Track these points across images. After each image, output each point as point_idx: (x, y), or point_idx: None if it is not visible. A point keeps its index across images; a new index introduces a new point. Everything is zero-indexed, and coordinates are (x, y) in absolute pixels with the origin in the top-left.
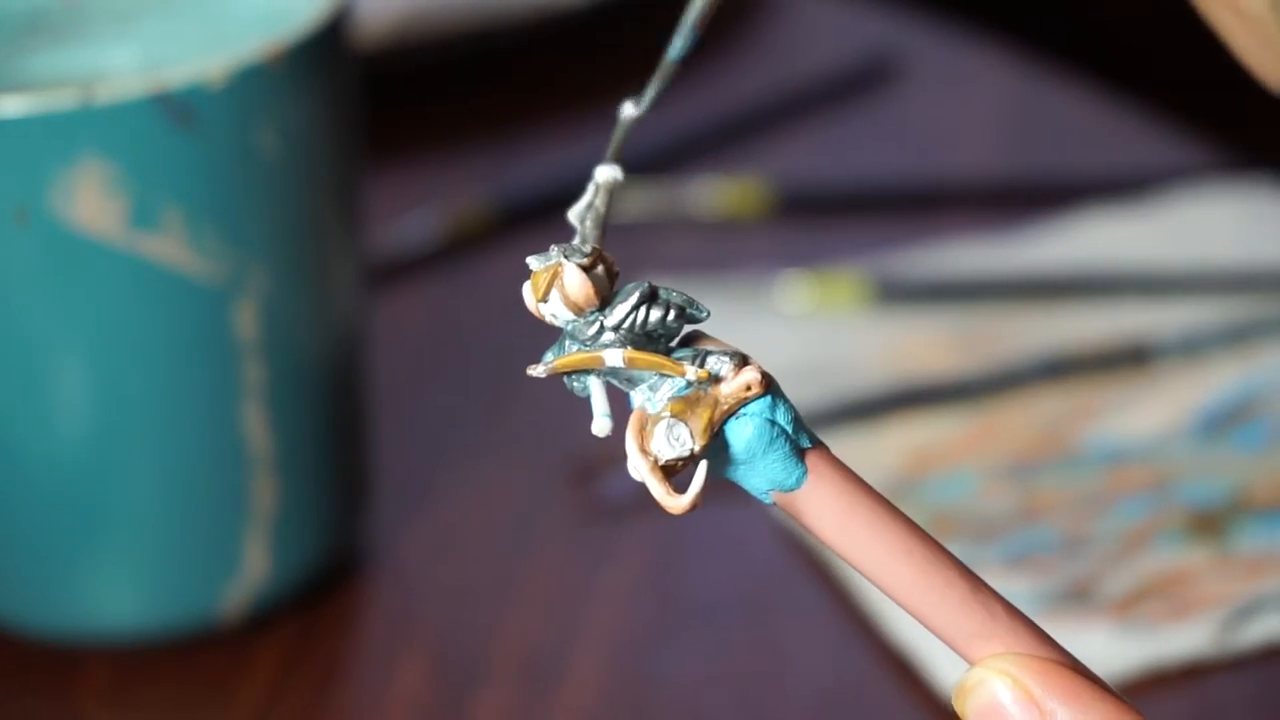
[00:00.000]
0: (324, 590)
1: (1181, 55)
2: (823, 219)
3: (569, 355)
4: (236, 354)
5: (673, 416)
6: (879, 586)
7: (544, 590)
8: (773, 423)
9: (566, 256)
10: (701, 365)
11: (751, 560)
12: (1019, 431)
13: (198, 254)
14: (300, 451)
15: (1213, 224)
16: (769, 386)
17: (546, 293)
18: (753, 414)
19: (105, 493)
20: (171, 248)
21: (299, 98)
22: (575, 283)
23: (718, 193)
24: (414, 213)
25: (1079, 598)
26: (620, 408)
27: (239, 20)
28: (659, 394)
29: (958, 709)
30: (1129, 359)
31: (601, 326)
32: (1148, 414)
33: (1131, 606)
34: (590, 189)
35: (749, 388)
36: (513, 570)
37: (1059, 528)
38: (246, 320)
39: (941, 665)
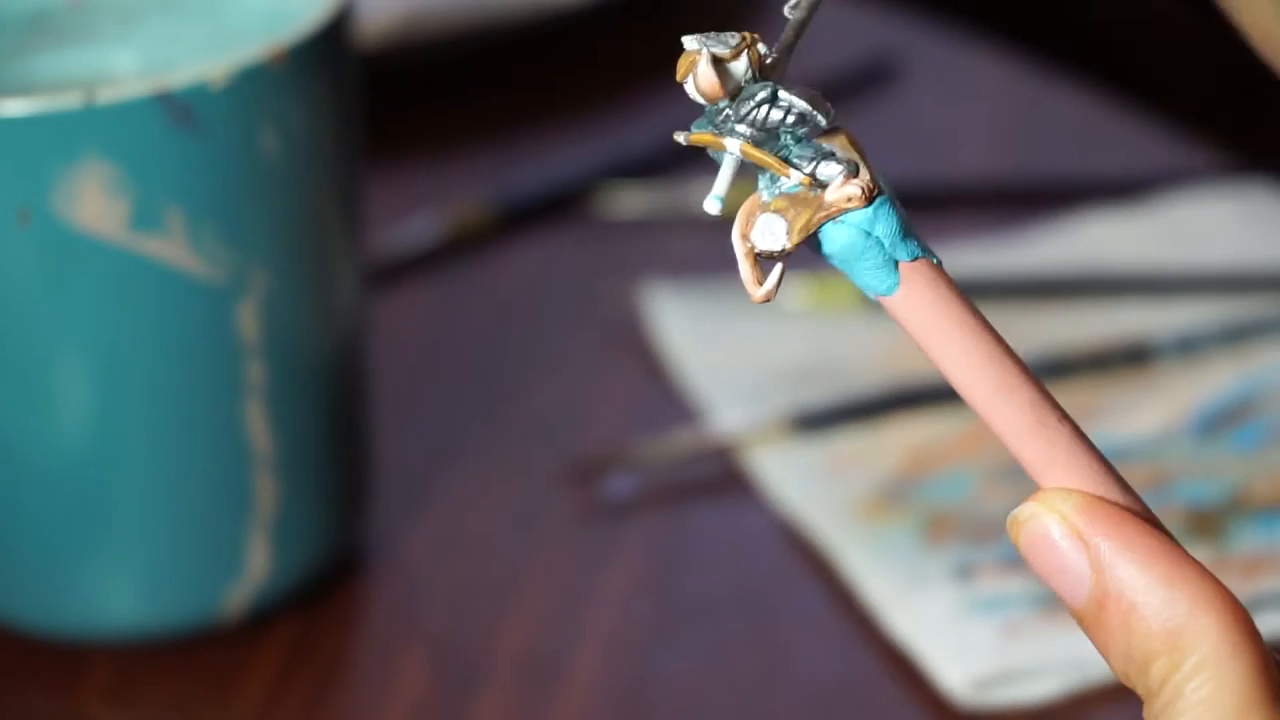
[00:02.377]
0: (325, 589)
1: (1182, 57)
2: None
3: (702, 133)
4: (238, 354)
5: (775, 211)
6: (961, 397)
7: (544, 590)
8: (868, 234)
9: (708, 45)
10: (813, 170)
11: (751, 560)
12: None
13: (199, 254)
14: (301, 451)
15: (1212, 225)
16: (872, 199)
17: (684, 75)
18: (850, 223)
19: (108, 492)
20: (173, 248)
21: (300, 98)
22: (705, 74)
23: None
24: (414, 213)
25: None
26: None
27: (240, 21)
28: (775, 186)
29: (1011, 538)
30: (1128, 359)
31: (728, 116)
32: (1147, 414)
33: None
34: None
35: (849, 199)
36: (513, 570)
37: None
38: (248, 320)
39: (942, 665)
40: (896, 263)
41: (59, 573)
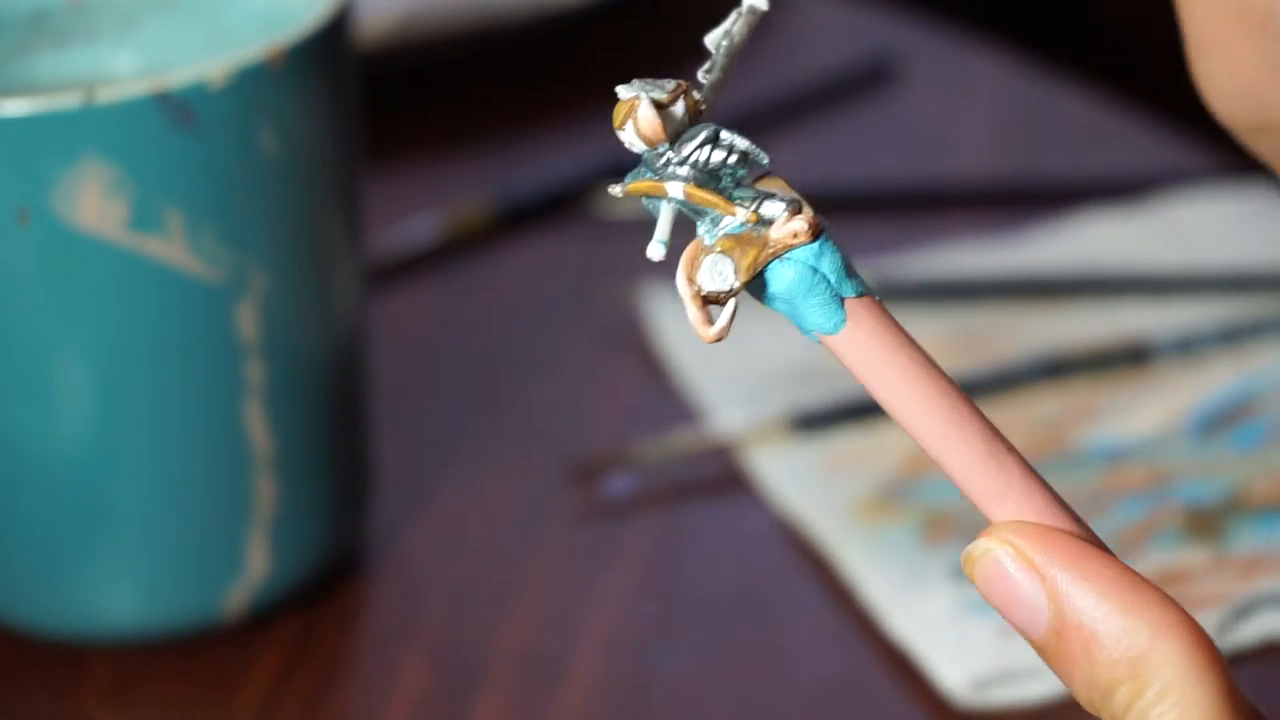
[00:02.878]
0: (325, 589)
1: (1181, 57)
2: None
3: (640, 181)
4: (237, 354)
5: (721, 252)
6: (908, 434)
7: (544, 590)
8: (815, 270)
9: (646, 91)
10: (756, 208)
11: (751, 560)
12: (1018, 431)
13: (199, 254)
14: (301, 451)
15: (1211, 225)
16: (817, 235)
17: (623, 122)
18: (796, 259)
19: (107, 492)
20: (172, 248)
21: (299, 98)
22: (647, 117)
23: None
24: (414, 213)
25: None
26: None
27: (240, 21)
28: (717, 229)
29: (967, 574)
30: (1127, 359)
31: (669, 160)
32: (1146, 414)
33: None
34: (732, 16)
35: (795, 235)
36: (513, 570)
37: None
38: (247, 320)
39: (941, 665)
40: (842, 299)
41: (59, 573)
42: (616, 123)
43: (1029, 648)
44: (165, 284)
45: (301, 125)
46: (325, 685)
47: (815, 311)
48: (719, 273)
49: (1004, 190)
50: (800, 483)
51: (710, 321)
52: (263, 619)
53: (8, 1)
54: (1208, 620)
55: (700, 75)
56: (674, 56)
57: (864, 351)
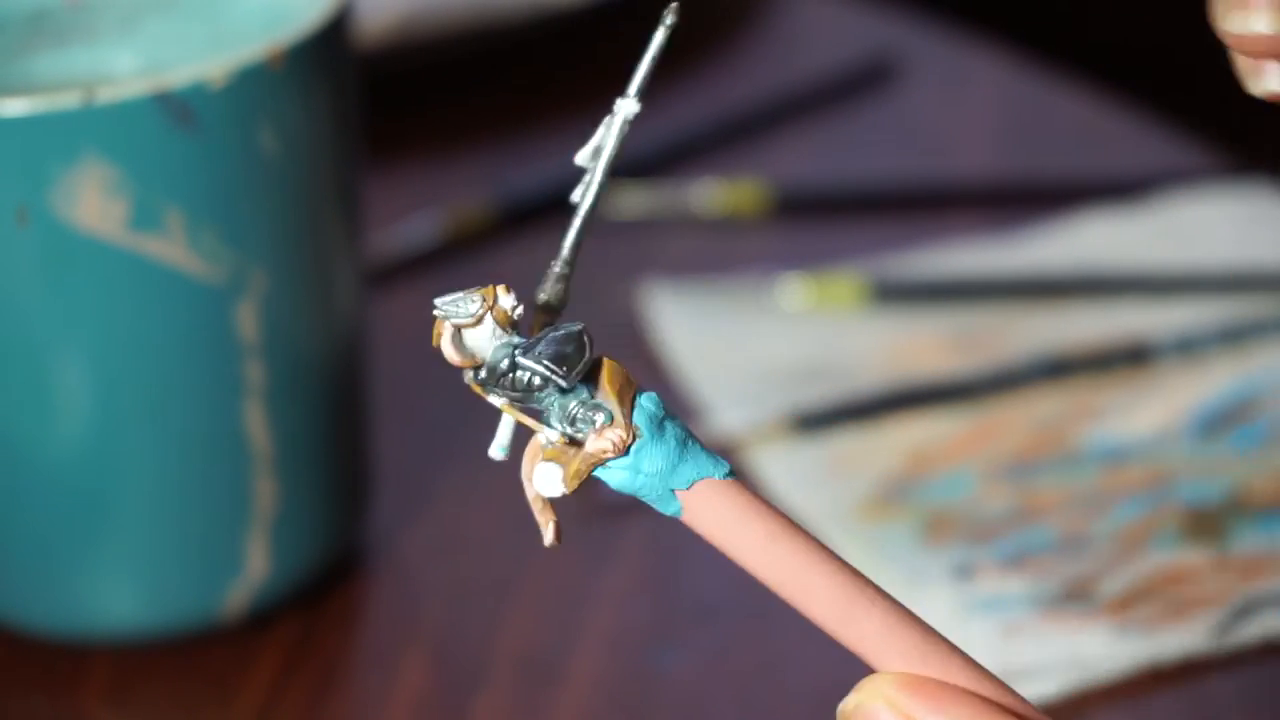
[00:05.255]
0: (325, 589)
1: (1181, 57)
2: (822, 219)
3: (478, 389)
4: (237, 354)
5: (549, 460)
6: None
7: (544, 590)
8: (638, 473)
9: (450, 315)
10: (570, 425)
11: None
12: (1018, 431)
13: (199, 254)
14: (301, 451)
15: (1211, 225)
16: (627, 449)
17: (436, 343)
18: (617, 466)
19: (107, 492)
20: (172, 248)
21: (299, 98)
22: (446, 351)
23: (717, 193)
24: (414, 213)
25: (1077, 598)
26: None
27: (240, 21)
28: (546, 436)
29: None
30: (1127, 359)
31: (485, 379)
32: (1146, 414)
33: (1129, 606)
34: (600, 129)
35: (605, 452)
36: (513, 570)
37: (1057, 528)
38: (247, 320)
39: None
40: (673, 490)
41: (59, 573)
42: (434, 341)
43: (1030, 647)
44: (165, 284)
45: (301, 125)
46: (325, 685)
47: (652, 503)
48: (549, 479)
49: (1004, 190)
50: (801, 483)
51: (554, 521)
52: (263, 619)
53: (8, 1)
54: (1208, 620)
55: (574, 197)
56: (673, 56)
57: (706, 530)
